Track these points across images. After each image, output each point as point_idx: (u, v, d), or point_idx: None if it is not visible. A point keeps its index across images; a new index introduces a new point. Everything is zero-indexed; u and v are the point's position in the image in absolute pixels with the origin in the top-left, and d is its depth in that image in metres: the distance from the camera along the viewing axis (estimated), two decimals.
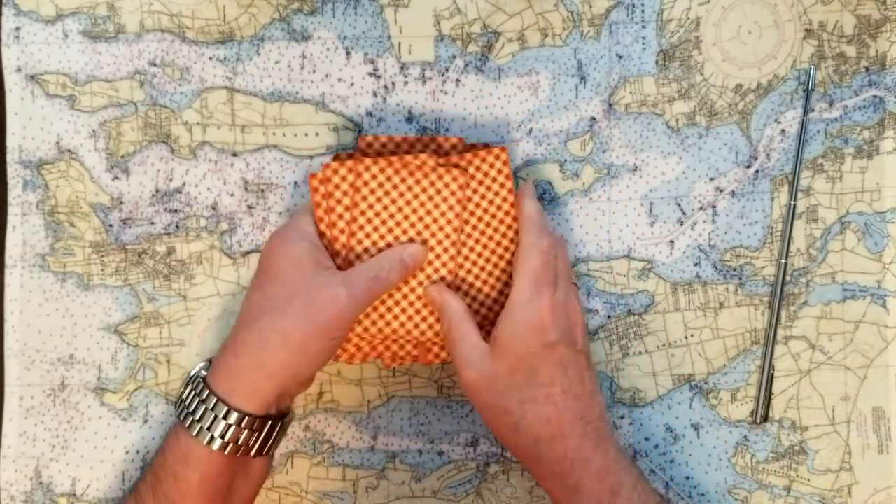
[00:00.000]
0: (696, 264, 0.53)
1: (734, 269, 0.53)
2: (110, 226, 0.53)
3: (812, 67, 0.53)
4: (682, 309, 0.53)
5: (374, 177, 0.48)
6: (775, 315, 0.52)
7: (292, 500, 0.52)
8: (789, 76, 0.53)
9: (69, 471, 0.52)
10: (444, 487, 0.52)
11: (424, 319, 0.48)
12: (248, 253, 0.53)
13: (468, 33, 0.53)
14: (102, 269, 0.53)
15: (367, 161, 0.48)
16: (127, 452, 0.52)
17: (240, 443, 0.43)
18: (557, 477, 0.44)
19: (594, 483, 0.44)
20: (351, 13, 0.53)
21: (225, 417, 0.43)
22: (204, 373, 0.46)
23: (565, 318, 0.45)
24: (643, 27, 0.53)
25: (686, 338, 0.53)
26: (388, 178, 0.48)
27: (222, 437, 0.43)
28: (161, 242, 0.53)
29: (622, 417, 0.52)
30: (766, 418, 0.52)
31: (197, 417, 0.43)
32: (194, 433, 0.43)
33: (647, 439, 0.52)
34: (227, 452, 0.43)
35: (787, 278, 0.52)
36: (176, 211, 0.53)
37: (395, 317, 0.48)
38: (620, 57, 0.53)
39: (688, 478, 0.52)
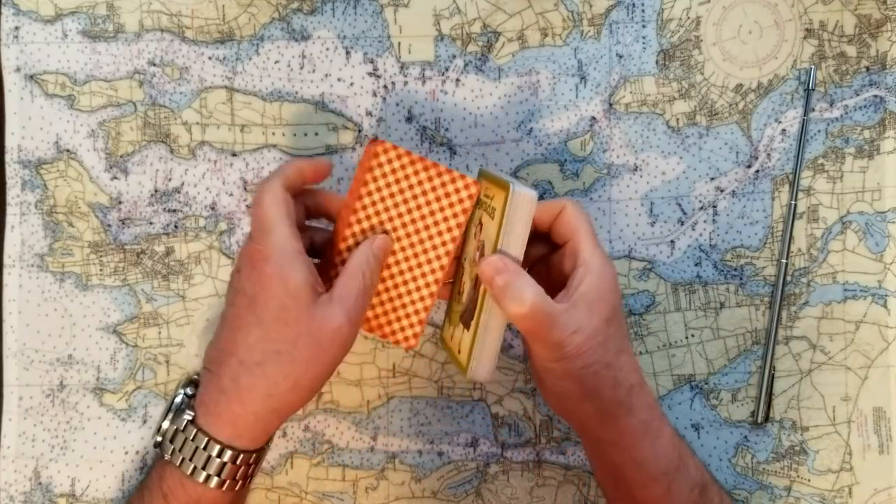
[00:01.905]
0: (696, 264, 0.53)
1: (735, 269, 0.53)
2: (109, 226, 0.53)
3: (812, 67, 0.53)
4: (682, 309, 0.53)
5: (389, 162, 0.45)
6: (776, 315, 0.52)
7: (292, 501, 0.52)
8: (790, 76, 0.53)
9: (68, 471, 0.52)
10: (443, 488, 0.52)
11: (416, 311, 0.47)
12: None
13: (468, 33, 0.53)
14: (101, 270, 0.53)
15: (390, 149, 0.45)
16: (126, 453, 0.52)
17: (248, 474, 0.44)
18: (646, 425, 0.44)
19: (667, 425, 0.45)
20: (351, 13, 0.53)
21: (233, 461, 0.42)
22: (189, 413, 0.43)
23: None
24: (643, 27, 0.53)
25: (687, 338, 0.53)
26: (402, 168, 0.45)
27: (232, 477, 0.43)
28: (160, 242, 0.53)
29: None
30: (766, 418, 0.52)
31: (201, 465, 0.42)
32: (200, 479, 0.42)
33: None
34: (237, 489, 0.43)
35: (788, 278, 0.52)
36: (175, 211, 0.53)
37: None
38: (620, 56, 0.53)
39: None
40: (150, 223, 0.53)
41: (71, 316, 0.53)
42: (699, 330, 0.53)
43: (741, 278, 0.53)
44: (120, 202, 0.53)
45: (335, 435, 0.53)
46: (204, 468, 0.42)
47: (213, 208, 0.53)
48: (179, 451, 0.43)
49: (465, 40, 0.53)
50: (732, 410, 0.52)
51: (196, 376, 0.46)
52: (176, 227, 0.53)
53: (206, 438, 0.42)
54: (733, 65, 0.53)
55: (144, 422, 0.53)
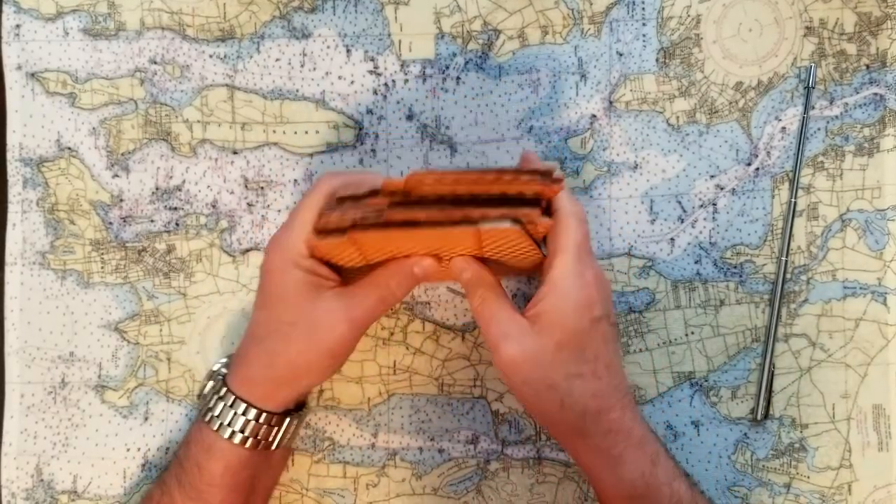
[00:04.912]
0: (696, 262, 0.53)
1: (735, 267, 0.53)
2: (110, 223, 0.53)
3: (812, 65, 0.53)
4: (682, 306, 0.53)
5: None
6: (776, 313, 0.52)
7: (293, 498, 0.53)
8: (790, 74, 0.53)
9: (70, 468, 0.52)
10: (444, 485, 0.53)
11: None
12: (247, 251, 0.53)
13: (468, 31, 0.53)
14: (102, 267, 0.53)
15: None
16: (128, 450, 0.53)
17: (259, 437, 0.46)
18: (602, 451, 0.44)
19: (637, 453, 0.44)
20: (351, 11, 0.53)
21: (244, 414, 0.45)
22: (224, 370, 0.48)
23: (604, 291, 0.44)
24: (644, 25, 0.53)
25: (686, 335, 0.53)
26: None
27: (242, 431, 0.45)
28: (161, 240, 0.53)
29: None
30: (766, 416, 0.52)
31: (217, 413, 0.45)
32: (215, 428, 0.45)
33: None
34: (247, 446, 0.45)
35: (788, 276, 0.52)
36: (176, 209, 0.53)
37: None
38: (621, 55, 0.53)
39: (688, 475, 0.52)
40: (152, 221, 0.53)
41: (72, 313, 0.53)
42: (699, 327, 0.53)
43: (741, 276, 0.53)
44: (121, 200, 0.53)
45: (336, 432, 0.53)
46: (219, 417, 0.45)
47: (214, 206, 0.53)
48: (206, 402, 0.46)
49: (465, 38, 0.53)
50: (732, 408, 0.52)
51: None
52: (177, 224, 0.53)
53: (225, 389, 0.46)
54: (733, 63, 0.53)
55: (146, 419, 0.53)
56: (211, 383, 0.47)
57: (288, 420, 0.47)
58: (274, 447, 0.47)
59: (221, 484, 0.45)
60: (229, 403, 0.45)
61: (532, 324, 0.43)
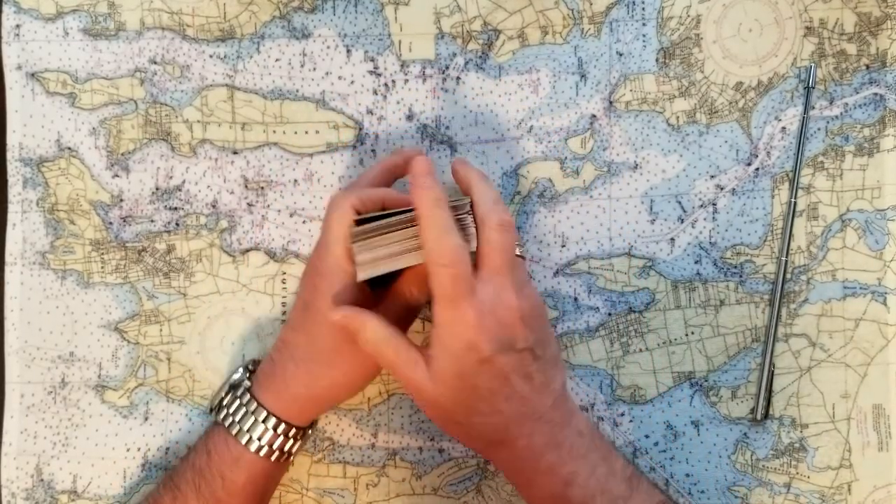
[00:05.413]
0: (696, 262, 0.53)
1: (735, 267, 0.53)
2: (110, 223, 0.53)
3: (812, 65, 0.53)
4: (682, 306, 0.53)
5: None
6: (776, 312, 0.52)
7: (293, 498, 0.53)
8: (790, 74, 0.53)
9: (70, 468, 0.52)
10: (444, 485, 0.53)
11: None
12: (247, 251, 0.53)
13: (468, 31, 0.53)
14: (102, 267, 0.53)
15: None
16: (128, 450, 0.53)
17: (284, 450, 0.47)
18: (514, 472, 0.46)
19: (545, 478, 0.44)
20: (351, 11, 0.53)
21: (274, 428, 0.46)
22: (247, 382, 0.48)
23: (496, 324, 0.42)
24: (644, 24, 0.53)
25: (686, 335, 0.53)
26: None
27: (270, 445, 0.46)
28: (161, 240, 0.53)
29: (622, 415, 0.52)
30: (766, 416, 0.52)
31: (246, 427, 0.46)
32: (244, 441, 0.46)
33: (647, 437, 0.52)
34: (272, 459, 0.47)
35: (788, 276, 0.52)
36: (176, 209, 0.53)
37: None
38: (621, 55, 0.53)
39: (688, 475, 0.52)
40: (152, 221, 0.53)
41: (72, 313, 0.53)
42: (699, 327, 0.53)
43: (741, 276, 0.53)
44: (121, 200, 0.53)
45: (336, 432, 0.53)
46: (248, 431, 0.46)
47: (214, 206, 0.53)
48: (231, 414, 0.47)
49: (465, 38, 0.53)
50: (732, 408, 0.52)
51: (249, 363, 0.51)
52: (177, 224, 0.53)
53: (256, 404, 0.47)
54: (733, 63, 0.53)
55: (146, 419, 0.53)
56: (233, 396, 0.48)
57: (309, 432, 0.49)
58: (292, 458, 0.48)
59: (243, 494, 0.46)
60: (261, 419, 0.46)
61: (429, 368, 0.42)
